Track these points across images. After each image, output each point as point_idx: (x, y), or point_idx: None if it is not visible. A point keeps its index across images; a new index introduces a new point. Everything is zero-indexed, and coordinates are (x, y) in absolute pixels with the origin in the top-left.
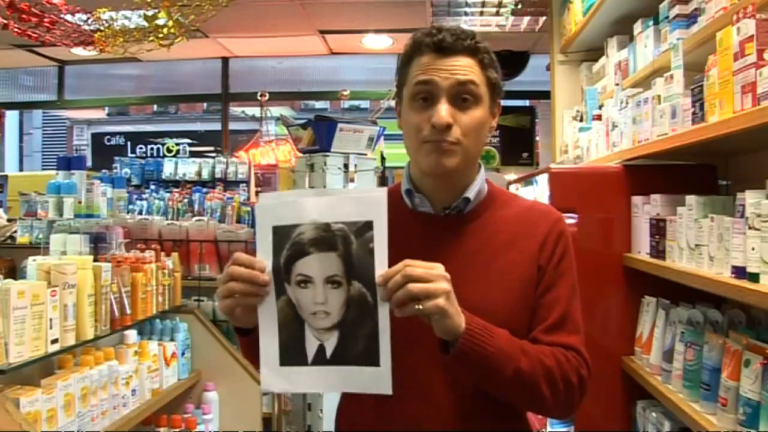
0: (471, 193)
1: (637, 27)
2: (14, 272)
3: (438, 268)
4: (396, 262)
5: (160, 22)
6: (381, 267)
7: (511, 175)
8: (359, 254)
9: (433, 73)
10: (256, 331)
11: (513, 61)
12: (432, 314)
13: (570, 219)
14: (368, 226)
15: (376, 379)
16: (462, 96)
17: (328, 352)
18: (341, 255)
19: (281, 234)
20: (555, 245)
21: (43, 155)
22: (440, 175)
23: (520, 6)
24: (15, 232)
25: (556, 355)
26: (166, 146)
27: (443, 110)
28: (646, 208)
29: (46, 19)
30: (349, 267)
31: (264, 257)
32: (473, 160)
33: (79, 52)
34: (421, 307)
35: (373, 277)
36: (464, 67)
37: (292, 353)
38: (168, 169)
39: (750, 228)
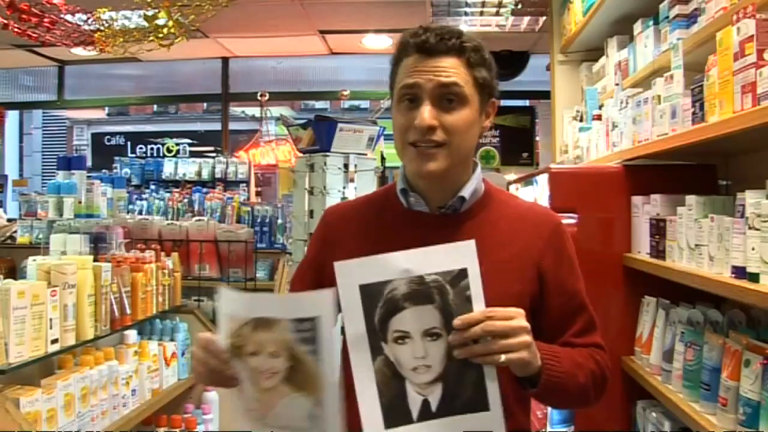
0: (466, 192)
1: (637, 27)
2: (14, 272)
3: (518, 319)
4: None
5: (160, 22)
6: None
7: (511, 175)
8: (457, 303)
9: (416, 75)
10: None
11: (513, 61)
12: (514, 367)
13: (570, 219)
14: (463, 273)
15: (487, 424)
16: (447, 97)
17: (434, 406)
18: (438, 306)
19: (371, 292)
20: (561, 252)
21: (43, 155)
22: (427, 179)
23: (520, 6)
24: (15, 232)
25: (595, 357)
26: (166, 146)
27: (426, 112)
28: (646, 208)
29: (46, 19)
30: (447, 318)
31: (354, 317)
32: (463, 160)
33: (79, 52)
34: (503, 359)
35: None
36: (448, 68)
37: (396, 413)
38: (168, 169)
39: (750, 228)
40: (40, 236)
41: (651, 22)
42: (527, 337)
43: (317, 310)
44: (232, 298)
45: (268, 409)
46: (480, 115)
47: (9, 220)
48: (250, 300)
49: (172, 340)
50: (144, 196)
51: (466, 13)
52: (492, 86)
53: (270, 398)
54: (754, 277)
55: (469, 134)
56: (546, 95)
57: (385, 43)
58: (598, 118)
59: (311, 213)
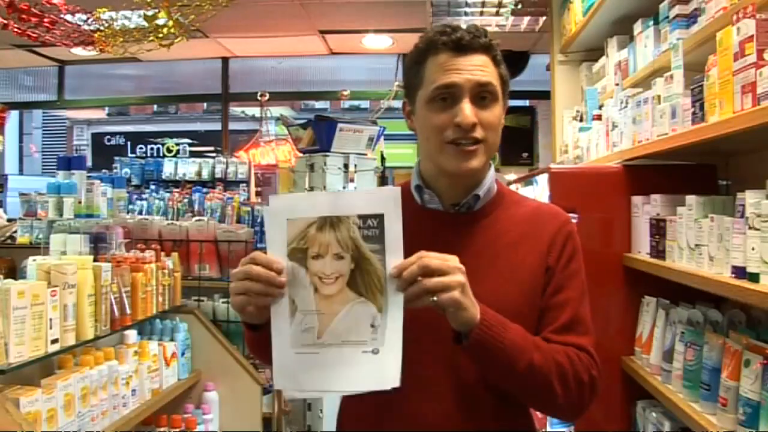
0: (481, 191)
1: (637, 27)
2: (14, 272)
3: (453, 260)
4: (406, 258)
5: (160, 22)
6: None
7: (511, 175)
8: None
9: (453, 74)
10: (265, 328)
11: (513, 61)
12: (447, 306)
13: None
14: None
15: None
16: (482, 95)
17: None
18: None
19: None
20: (563, 246)
21: (43, 155)
22: (465, 177)
23: (520, 6)
24: (15, 232)
25: (569, 353)
26: (166, 146)
27: (467, 110)
28: (646, 208)
29: (46, 19)
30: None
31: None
32: (491, 157)
33: (79, 52)
34: (436, 299)
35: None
36: (482, 67)
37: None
38: (168, 169)
39: (750, 228)
40: (40, 236)
41: (651, 22)
42: (461, 277)
43: (383, 206)
44: (288, 201)
45: (327, 322)
46: (503, 112)
47: (9, 220)
48: (312, 199)
49: (172, 340)
50: (144, 196)
51: (466, 13)
52: (509, 83)
53: (331, 307)
54: (754, 277)
55: (499, 130)
56: (546, 95)
57: (385, 43)
58: (598, 118)
59: None
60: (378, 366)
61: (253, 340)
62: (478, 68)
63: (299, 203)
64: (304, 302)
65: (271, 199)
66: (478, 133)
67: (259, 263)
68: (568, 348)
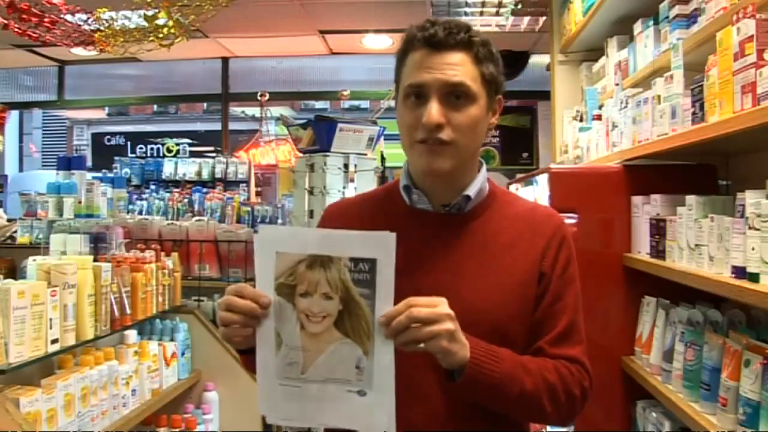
0: (471, 191)
1: (637, 27)
2: (14, 272)
3: (441, 306)
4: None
5: (160, 22)
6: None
7: (503, 178)
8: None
9: (424, 72)
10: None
11: (513, 61)
12: (435, 353)
13: (570, 219)
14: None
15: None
16: (455, 94)
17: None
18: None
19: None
20: (559, 252)
21: (43, 155)
22: (434, 176)
23: (520, 6)
24: (15, 232)
25: (560, 369)
26: (166, 146)
27: (433, 110)
28: (646, 208)
29: (46, 19)
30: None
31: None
32: (470, 159)
33: (79, 52)
34: (423, 345)
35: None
36: (456, 65)
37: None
38: (168, 169)
39: (750, 228)
40: (40, 236)
41: (651, 22)
42: (450, 325)
43: (376, 251)
44: (278, 233)
45: (311, 359)
46: (487, 112)
47: (9, 220)
48: (303, 235)
49: (172, 340)
50: (144, 196)
51: (466, 14)
52: (498, 82)
53: (316, 345)
54: (754, 277)
55: (477, 132)
56: (546, 95)
57: (385, 43)
58: (598, 118)
59: (311, 213)
60: (366, 409)
61: (247, 362)
62: (450, 67)
63: (290, 237)
64: (290, 338)
65: (261, 228)
66: (445, 135)
67: (245, 297)
68: (560, 363)
